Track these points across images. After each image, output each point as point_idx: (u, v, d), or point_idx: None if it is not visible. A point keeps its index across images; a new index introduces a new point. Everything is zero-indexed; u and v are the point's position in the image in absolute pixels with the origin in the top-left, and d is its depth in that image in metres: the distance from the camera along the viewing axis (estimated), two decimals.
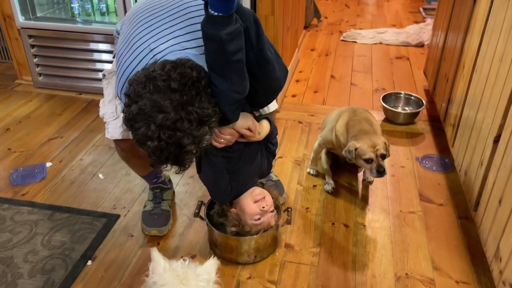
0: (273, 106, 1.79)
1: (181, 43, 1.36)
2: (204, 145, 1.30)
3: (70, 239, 1.81)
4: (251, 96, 1.41)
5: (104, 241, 1.82)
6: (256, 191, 1.62)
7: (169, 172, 1.36)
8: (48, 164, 2.29)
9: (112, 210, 1.99)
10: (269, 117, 1.64)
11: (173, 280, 1.07)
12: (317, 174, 2.22)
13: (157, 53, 1.34)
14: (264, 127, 1.59)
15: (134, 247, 1.80)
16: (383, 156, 1.87)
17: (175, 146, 1.23)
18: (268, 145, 1.66)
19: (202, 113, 1.24)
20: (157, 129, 1.20)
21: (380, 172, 1.86)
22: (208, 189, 1.69)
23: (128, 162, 1.81)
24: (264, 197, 1.61)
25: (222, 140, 1.47)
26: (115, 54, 1.74)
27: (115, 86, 1.59)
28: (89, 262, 1.72)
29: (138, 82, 1.23)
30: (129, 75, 1.34)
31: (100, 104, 1.69)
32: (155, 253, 1.12)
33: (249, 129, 1.49)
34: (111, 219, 1.93)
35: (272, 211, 1.64)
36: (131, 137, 1.63)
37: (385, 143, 1.89)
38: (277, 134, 1.70)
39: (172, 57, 1.29)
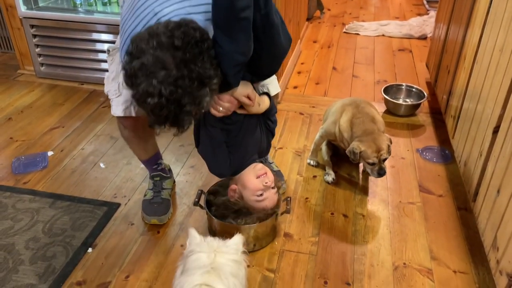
0: (275, 89, 1.80)
1: (186, 8, 1.34)
2: (204, 107, 1.29)
3: (71, 227, 1.83)
4: (253, 63, 1.41)
5: (105, 229, 1.83)
6: (258, 166, 1.61)
7: (167, 132, 1.36)
8: (50, 153, 2.30)
9: (112, 199, 2.00)
10: (269, 93, 1.65)
11: (208, 248, 1.24)
12: (317, 165, 2.23)
13: (162, 17, 1.32)
14: (264, 101, 1.60)
15: (134, 235, 1.81)
16: (385, 159, 1.92)
17: (175, 104, 1.23)
18: (268, 122, 1.67)
19: (204, 73, 1.24)
20: (159, 84, 1.19)
21: (381, 174, 1.93)
22: (207, 163, 1.68)
23: (130, 143, 1.81)
24: (266, 173, 1.61)
25: (221, 108, 1.47)
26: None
27: (118, 62, 1.60)
28: (90, 250, 1.74)
29: (141, 39, 1.22)
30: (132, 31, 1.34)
31: (105, 81, 1.70)
32: (191, 230, 1.30)
33: (248, 98, 1.48)
34: (112, 207, 1.94)
35: (273, 188, 1.63)
36: (133, 114, 1.65)
37: (388, 146, 1.92)
38: (276, 112, 1.70)
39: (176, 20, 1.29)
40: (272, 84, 1.82)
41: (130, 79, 1.23)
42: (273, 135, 1.74)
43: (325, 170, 2.16)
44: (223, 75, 1.33)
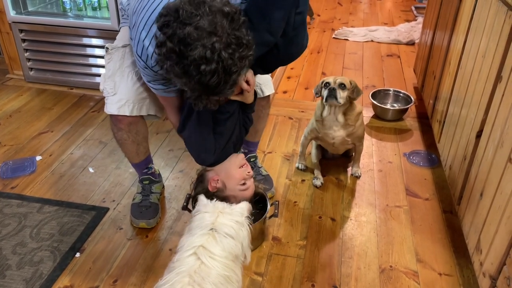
0: (269, 90, 1.85)
1: None
2: (238, 80, 1.28)
3: (59, 232, 1.83)
4: (270, 55, 1.43)
5: (93, 234, 1.83)
6: (240, 157, 1.64)
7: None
8: (38, 158, 2.30)
9: (101, 203, 2.00)
10: (256, 92, 1.68)
11: (214, 209, 1.33)
12: (306, 169, 2.25)
13: None
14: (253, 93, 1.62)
15: (123, 239, 1.81)
16: (341, 85, 1.98)
17: (226, 71, 1.21)
18: (246, 119, 1.69)
19: (249, 40, 1.24)
20: (219, 49, 1.17)
21: (330, 90, 1.96)
22: (194, 147, 1.63)
23: (123, 145, 1.80)
24: (246, 163, 1.64)
25: None
26: (120, 28, 1.76)
27: (117, 60, 1.64)
28: (78, 254, 1.73)
29: (188, 5, 1.18)
30: (151, 14, 1.32)
31: (101, 78, 1.70)
32: (201, 196, 1.41)
33: (247, 83, 1.48)
34: (101, 212, 1.94)
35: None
36: (127, 113, 1.65)
37: (342, 83, 1.97)
38: (253, 111, 1.71)
39: None
40: (267, 85, 1.85)
41: (179, 46, 1.18)
42: (246, 132, 1.74)
43: (314, 174, 2.18)
44: None
